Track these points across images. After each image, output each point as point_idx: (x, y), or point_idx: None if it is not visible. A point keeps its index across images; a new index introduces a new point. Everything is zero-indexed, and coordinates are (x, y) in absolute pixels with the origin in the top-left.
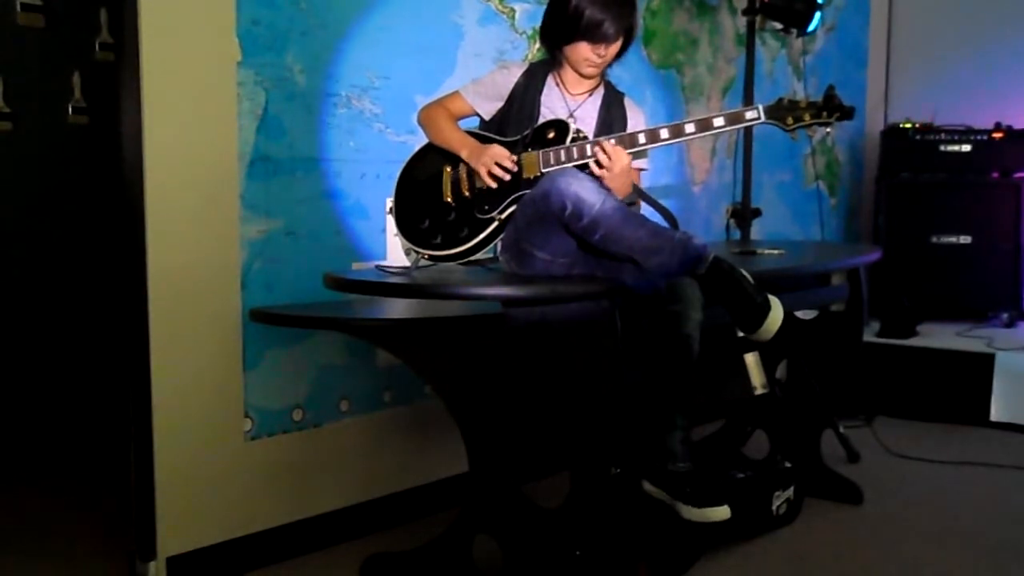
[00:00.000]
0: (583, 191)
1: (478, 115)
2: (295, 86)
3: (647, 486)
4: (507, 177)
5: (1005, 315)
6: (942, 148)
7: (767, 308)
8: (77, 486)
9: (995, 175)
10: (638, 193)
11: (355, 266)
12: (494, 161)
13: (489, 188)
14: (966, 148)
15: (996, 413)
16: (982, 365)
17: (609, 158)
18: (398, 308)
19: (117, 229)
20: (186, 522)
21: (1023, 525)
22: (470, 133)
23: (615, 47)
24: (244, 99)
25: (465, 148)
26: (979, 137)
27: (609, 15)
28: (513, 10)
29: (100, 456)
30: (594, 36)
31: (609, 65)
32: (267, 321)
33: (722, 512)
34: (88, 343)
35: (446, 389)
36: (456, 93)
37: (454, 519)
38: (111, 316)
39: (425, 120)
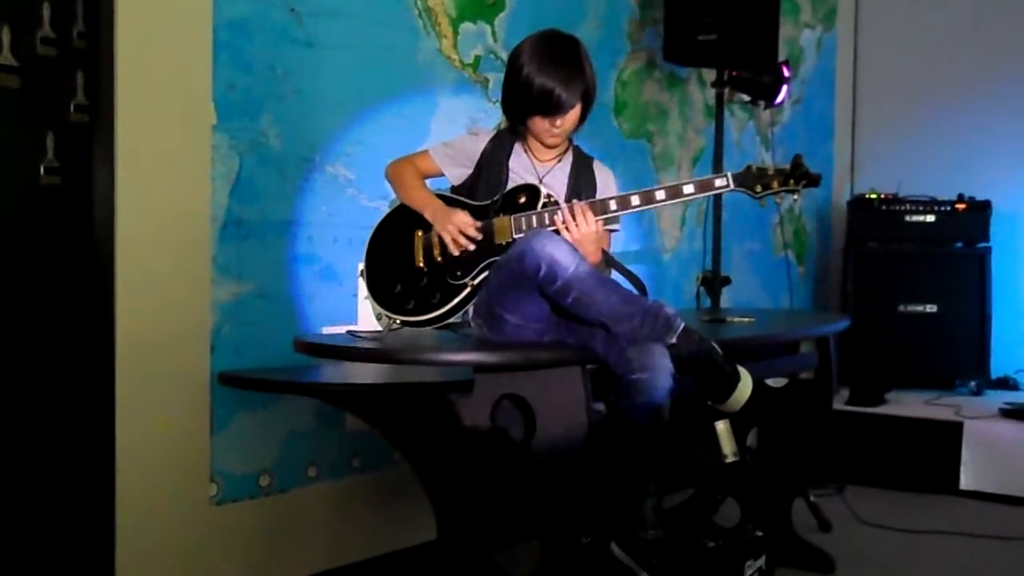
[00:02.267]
0: (558, 253)
1: (445, 176)
2: (269, 150)
3: (615, 549)
4: (472, 247)
5: (972, 383)
6: (907, 218)
7: (736, 379)
8: (34, 556)
9: (959, 245)
10: (608, 259)
11: (325, 330)
12: (458, 229)
13: (461, 253)
14: (930, 218)
15: (965, 481)
16: (951, 433)
17: (575, 220)
18: (368, 373)
19: (87, 290)
20: None
21: None
22: (440, 196)
23: (573, 114)
24: (218, 162)
25: (429, 209)
26: (943, 208)
27: (559, 83)
28: (487, 79)
29: (58, 521)
30: (546, 108)
31: (573, 131)
32: (236, 385)
33: None
34: (53, 404)
35: (415, 455)
36: (426, 152)
37: None
38: (77, 377)
39: (393, 175)
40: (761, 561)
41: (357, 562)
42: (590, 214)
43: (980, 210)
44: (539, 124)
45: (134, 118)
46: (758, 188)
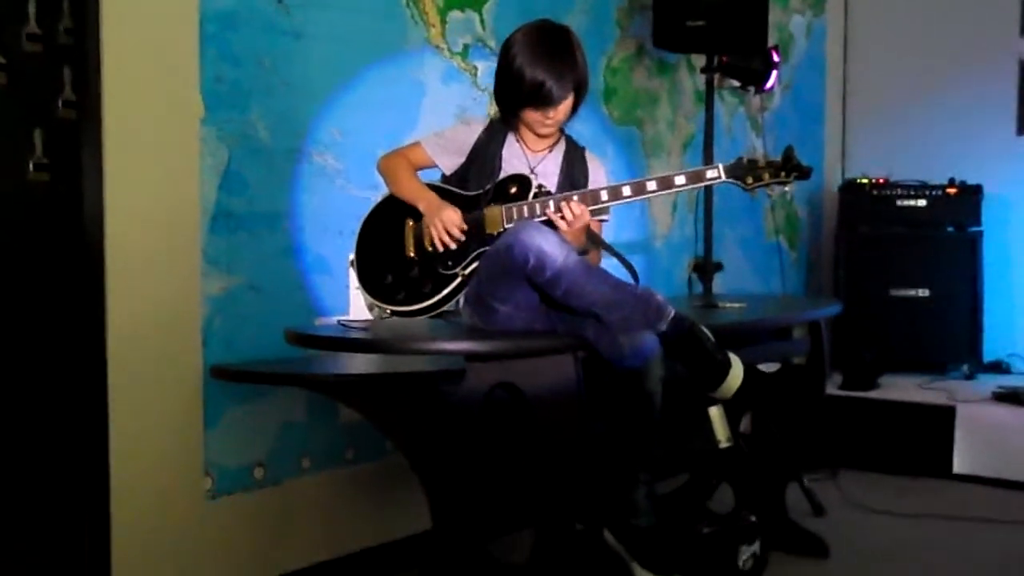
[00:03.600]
0: (547, 245)
1: (438, 167)
2: (258, 142)
3: (608, 536)
4: (453, 246)
5: (965, 367)
6: (899, 203)
7: (727, 367)
8: (27, 551)
9: (951, 229)
10: (601, 245)
11: (317, 321)
12: (444, 226)
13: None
14: (922, 203)
15: (958, 465)
16: (943, 418)
17: (574, 215)
18: (360, 363)
19: (77, 286)
20: None
21: None
22: (431, 186)
23: (565, 105)
24: (207, 155)
25: (423, 201)
26: (934, 192)
27: (551, 75)
28: (476, 67)
29: (54, 517)
30: (537, 101)
31: (566, 122)
32: (228, 378)
33: None
34: (46, 400)
35: (408, 445)
36: (417, 144)
37: None
38: (70, 373)
39: (385, 169)
40: (755, 546)
41: (352, 553)
42: (584, 208)
43: (971, 194)
44: (531, 115)
45: (122, 113)
46: (749, 180)
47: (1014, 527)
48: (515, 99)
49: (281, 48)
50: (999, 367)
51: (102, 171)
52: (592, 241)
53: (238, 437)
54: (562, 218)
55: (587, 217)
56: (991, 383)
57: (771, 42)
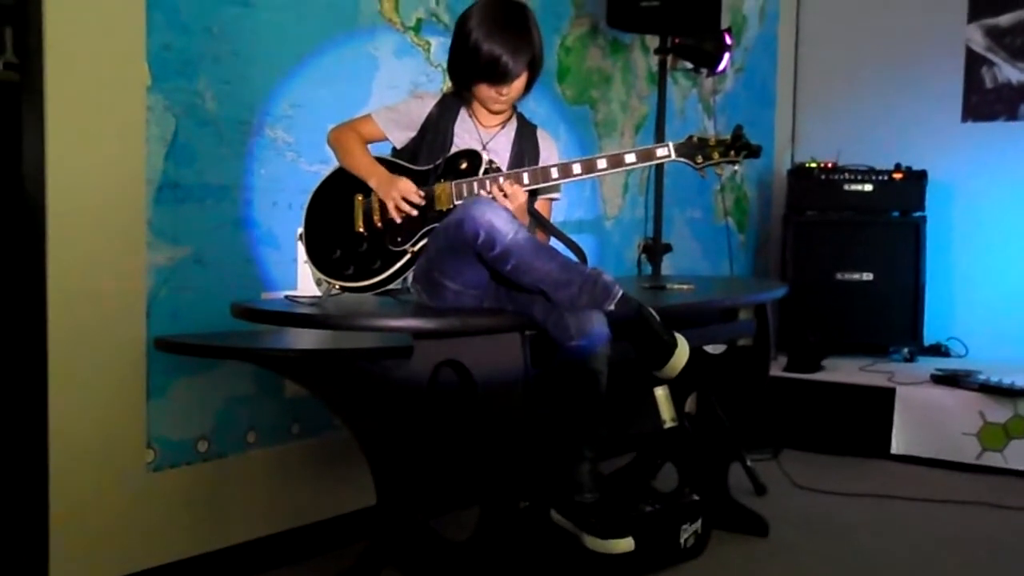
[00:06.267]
0: (497, 220)
1: (388, 141)
2: (206, 113)
3: (555, 516)
4: (414, 213)
5: (905, 350)
6: (846, 188)
7: (673, 346)
8: None
9: (896, 214)
10: (546, 227)
11: (264, 296)
12: (401, 196)
13: (402, 219)
14: (868, 188)
15: (896, 446)
16: (883, 399)
17: (505, 195)
18: (307, 339)
19: (17, 253)
20: (82, 556)
21: (923, 554)
22: (381, 160)
23: (519, 82)
24: (153, 124)
25: (374, 177)
26: (880, 178)
27: (506, 50)
28: (428, 43)
29: None
30: (492, 76)
31: (519, 99)
32: (172, 350)
33: (625, 544)
34: None
35: (354, 421)
36: (368, 117)
37: (362, 552)
38: (8, 343)
39: (335, 142)
40: (697, 524)
41: (296, 527)
42: (518, 187)
43: (916, 180)
44: (485, 91)
45: (65, 77)
46: (699, 159)
47: (949, 506)
48: (469, 73)
49: (231, 17)
50: (939, 350)
51: (44, 136)
52: (537, 221)
53: (182, 410)
54: (504, 196)
55: (522, 197)
56: (931, 366)
57: (724, 24)
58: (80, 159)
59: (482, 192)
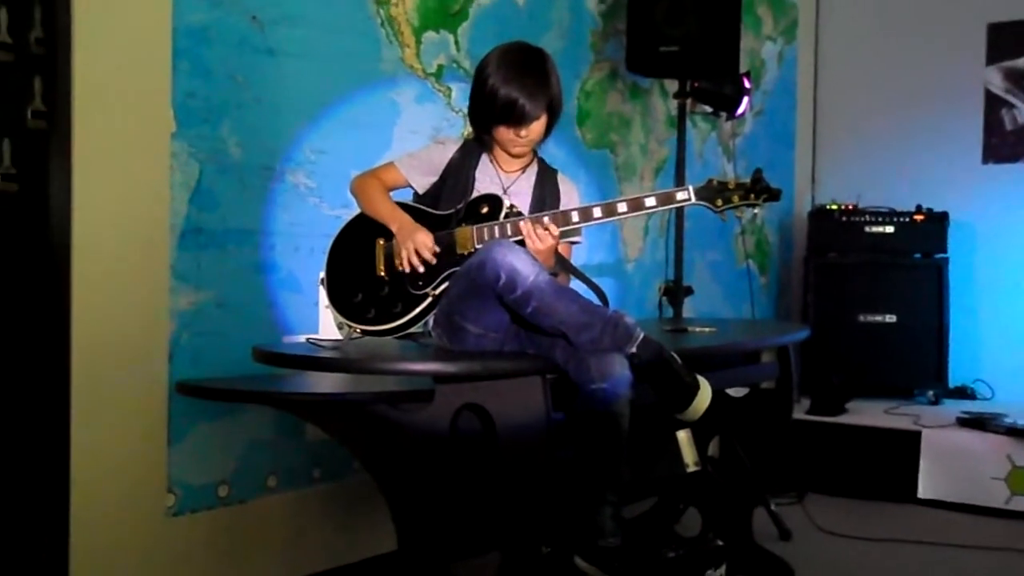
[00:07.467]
0: (518, 263)
1: (411, 187)
2: (230, 159)
3: (578, 561)
4: (421, 269)
5: (931, 392)
6: (867, 229)
7: (695, 388)
8: None
9: (918, 256)
10: (569, 269)
11: (285, 339)
12: (415, 248)
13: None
14: (889, 229)
15: (923, 490)
16: (909, 442)
17: (542, 237)
18: (328, 383)
19: (43, 298)
20: None
21: None
22: (403, 206)
23: (538, 125)
24: (177, 170)
25: (396, 223)
26: (901, 219)
27: (523, 93)
28: (450, 89)
29: (11, 533)
30: (510, 118)
31: (540, 142)
32: (194, 394)
33: None
34: (7, 413)
35: (375, 466)
36: (391, 164)
37: None
38: (33, 386)
39: (358, 190)
40: (721, 570)
41: (317, 572)
42: (552, 227)
43: (938, 221)
44: (504, 134)
45: (92, 125)
46: (719, 202)
47: (978, 552)
48: (488, 116)
49: (254, 65)
50: (964, 392)
51: (71, 183)
52: (561, 265)
53: (203, 454)
54: (539, 232)
55: (552, 239)
56: (956, 408)
57: (743, 68)
58: (106, 205)
59: (505, 236)
